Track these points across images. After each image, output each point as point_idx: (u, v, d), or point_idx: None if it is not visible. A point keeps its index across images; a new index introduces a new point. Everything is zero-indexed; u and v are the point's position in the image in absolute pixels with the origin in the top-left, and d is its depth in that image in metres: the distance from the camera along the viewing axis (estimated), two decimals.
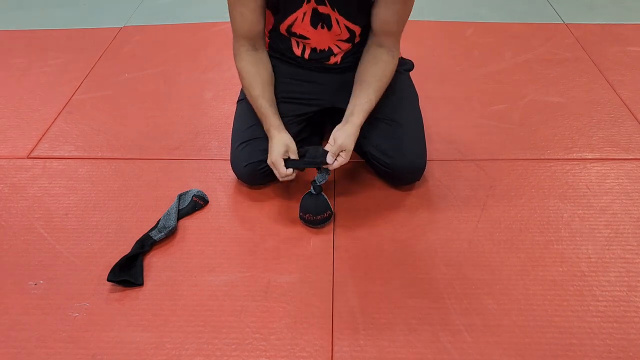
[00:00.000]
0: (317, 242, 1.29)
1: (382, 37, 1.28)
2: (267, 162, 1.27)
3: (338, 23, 1.27)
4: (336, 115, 1.45)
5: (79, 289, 1.19)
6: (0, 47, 2.18)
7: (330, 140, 1.25)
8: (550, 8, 2.38)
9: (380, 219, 1.34)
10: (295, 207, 1.35)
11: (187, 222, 1.35)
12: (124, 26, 2.30)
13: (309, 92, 1.40)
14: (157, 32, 2.26)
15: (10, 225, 1.36)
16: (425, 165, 1.37)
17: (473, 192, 1.42)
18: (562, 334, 1.08)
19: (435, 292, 1.17)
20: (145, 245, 1.26)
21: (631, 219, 1.33)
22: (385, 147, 1.33)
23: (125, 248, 1.26)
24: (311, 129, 1.44)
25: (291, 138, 1.27)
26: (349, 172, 1.46)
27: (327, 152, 1.23)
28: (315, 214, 1.29)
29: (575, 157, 1.54)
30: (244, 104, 1.43)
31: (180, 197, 1.39)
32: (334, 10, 1.24)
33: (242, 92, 1.48)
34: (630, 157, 1.53)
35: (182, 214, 1.36)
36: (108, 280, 1.18)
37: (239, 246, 1.29)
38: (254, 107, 1.32)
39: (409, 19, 1.28)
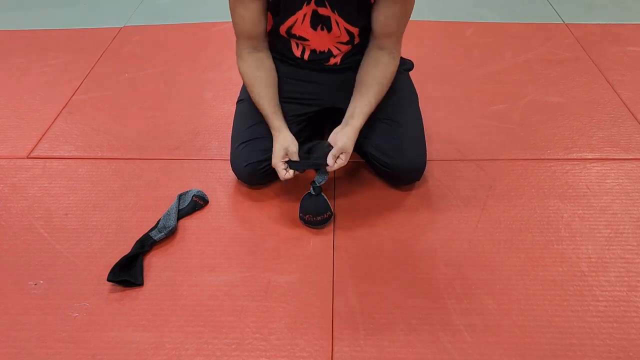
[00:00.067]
0: (317, 242, 1.29)
1: (383, 39, 1.28)
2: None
3: (338, 25, 1.27)
4: (336, 115, 1.45)
5: (79, 289, 1.19)
6: (0, 47, 2.18)
7: (330, 142, 1.25)
8: (550, 8, 2.38)
9: (380, 219, 1.34)
10: (295, 207, 1.35)
11: (187, 222, 1.35)
12: (124, 26, 2.30)
13: (309, 92, 1.40)
14: (157, 32, 2.26)
15: (10, 225, 1.36)
16: (425, 165, 1.37)
17: (473, 192, 1.42)
18: (562, 334, 1.08)
19: (435, 292, 1.17)
20: (145, 245, 1.26)
21: (631, 219, 1.33)
22: (385, 147, 1.33)
23: (125, 248, 1.26)
24: (311, 129, 1.44)
25: (292, 138, 1.27)
26: (349, 172, 1.47)
27: (327, 152, 1.23)
28: (315, 215, 1.29)
29: (575, 157, 1.54)
30: (244, 104, 1.43)
31: (180, 197, 1.39)
32: (333, 12, 1.24)
33: (241, 92, 1.48)
34: (630, 157, 1.53)
35: (182, 214, 1.36)
36: (108, 280, 1.18)
37: (239, 246, 1.29)
38: (258, 108, 1.32)
39: (409, 19, 1.28)
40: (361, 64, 1.33)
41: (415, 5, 1.26)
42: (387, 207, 1.38)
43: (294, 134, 1.30)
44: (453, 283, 1.19)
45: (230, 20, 1.30)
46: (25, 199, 1.44)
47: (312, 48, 1.34)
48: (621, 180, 1.45)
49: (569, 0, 2.43)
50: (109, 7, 2.49)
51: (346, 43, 1.33)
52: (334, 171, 1.35)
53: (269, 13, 1.30)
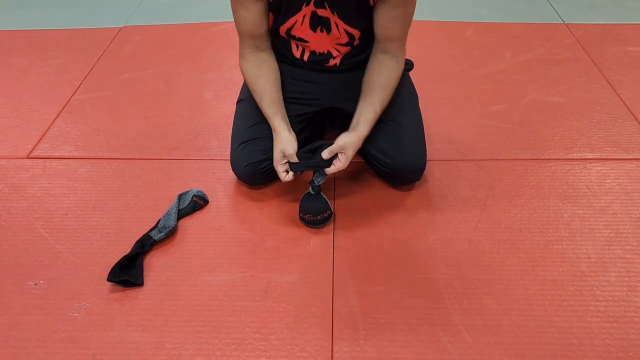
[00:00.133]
0: (317, 242, 1.29)
1: (386, 43, 1.28)
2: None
3: (337, 27, 1.27)
4: (336, 116, 1.46)
5: (79, 289, 1.19)
6: (0, 47, 2.18)
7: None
8: (550, 8, 2.38)
9: (380, 219, 1.34)
10: (295, 207, 1.35)
11: (187, 222, 1.35)
12: (124, 26, 2.30)
13: (309, 92, 1.40)
14: (157, 32, 2.26)
15: (10, 225, 1.36)
16: (425, 165, 1.37)
17: (473, 192, 1.42)
18: (562, 334, 1.08)
19: (435, 292, 1.17)
20: (145, 245, 1.26)
21: (631, 219, 1.33)
22: (385, 147, 1.33)
23: (125, 248, 1.26)
24: (311, 129, 1.44)
25: (290, 140, 1.26)
26: (349, 172, 1.46)
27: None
28: (315, 214, 1.29)
29: (575, 157, 1.54)
30: (244, 104, 1.43)
31: (180, 197, 1.39)
32: (333, 13, 1.24)
33: (241, 92, 1.48)
34: (630, 157, 1.53)
35: (182, 214, 1.36)
36: (108, 280, 1.18)
37: (239, 246, 1.29)
38: (260, 108, 1.32)
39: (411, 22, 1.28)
40: (366, 68, 1.32)
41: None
42: (387, 207, 1.38)
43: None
44: (453, 283, 1.19)
45: (232, 20, 1.30)
46: (25, 199, 1.44)
47: (312, 49, 1.34)
48: (621, 180, 1.45)
49: (569, 0, 2.43)
50: (109, 7, 2.49)
51: (345, 44, 1.33)
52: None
53: (270, 13, 1.30)
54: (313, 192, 1.29)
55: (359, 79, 1.38)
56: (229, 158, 1.41)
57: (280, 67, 1.38)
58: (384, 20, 1.24)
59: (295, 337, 1.09)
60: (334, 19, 1.25)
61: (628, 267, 1.22)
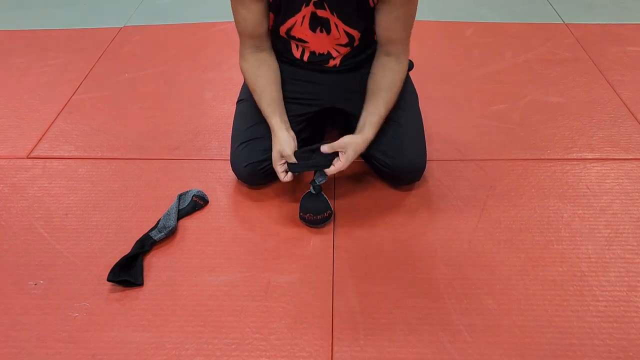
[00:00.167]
0: (317, 242, 1.29)
1: (389, 45, 1.28)
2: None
3: (337, 27, 1.27)
4: (336, 116, 1.46)
5: (79, 289, 1.19)
6: (0, 47, 2.18)
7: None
8: (550, 8, 2.38)
9: (380, 219, 1.34)
10: (295, 207, 1.35)
11: (187, 222, 1.35)
12: (124, 26, 2.30)
13: (309, 92, 1.40)
14: (157, 32, 2.26)
15: (10, 225, 1.36)
16: (425, 165, 1.37)
17: (473, 192, 1.42)
18: (562, 334, 1.08)
19: (435, 292, 1.17)
20: (145, 245, 1.26)
21: (631, 219, 1.33)
22: (385, 147, 1.33)
23: (125, 248, 1.26)
24: (311, 129, 1.44)
25: (288, 140, 1.25)
26: (348, 172, 1.46)
27: (327, 156, 1.24)
28: (316, 214, 1.29)
29: (575, 157, 1.54)
30: (244, 104, 1.43)
31: (180, 197, 1.39)
32: (333, 14, 1.24)
33: (241, 92, 1.48)
34: (630, 157, 1.53)
35: (182, 214, 1.36)
36: (108, 280, 1.18)
37: (239, 246, 1.29)
38: (259, 108, 1.32)
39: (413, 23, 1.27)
40: (370, 71, 1.32)
41: None
42: (387, 207, 1.38)
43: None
44: (453, 283, 1.19)
45: (232, 19, 1.30)
46: (25, 199, 1.44)
47: (312, 50, 1.34)
48: (621, 180, 1.45)
49: (569, 0, 2.43)
50: (109, 7, 2.49)
51: (345, 45, 1.33)
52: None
53: (270, 13, 1.30)
54: (314, 192, 1.29)
55: (359, 79, 1.38)
56: (229, 158, 1.41)
57: (280, 67, 1.38)
58: (385, 22, 1.24)
59: (295, 337, 1.09)
60: (333, 19, 1.25)
61: (628, 267, 1.22)
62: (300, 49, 1.35)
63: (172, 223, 1.31)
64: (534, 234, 1.30)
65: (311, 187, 1.30)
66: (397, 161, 1.33)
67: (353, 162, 1.27)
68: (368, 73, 1.36)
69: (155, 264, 1.25)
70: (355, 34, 1.29)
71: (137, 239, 1.28)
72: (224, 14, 1.32)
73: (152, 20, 2.36)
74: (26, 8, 2.51)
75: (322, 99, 1.41)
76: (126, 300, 1.17)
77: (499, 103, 1.76)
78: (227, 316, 1.13)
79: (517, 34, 2.17)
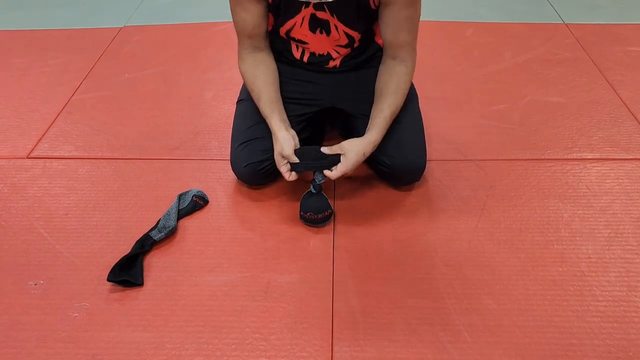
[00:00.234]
0: (317, 242, 1.29)
1: (395, 49, 1.28)
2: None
3: (337, 29, 1.27)
4: (336, 116, 1.46)
5: (79, 289, 1.19)
6: (0, 47, 2.18)
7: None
8: (550, 8, 2.38)
9: (380, 219, 1.34)
10: (295, 207, 1.35)
11: (187, 222, 1.35)
12: (124, 26, 2.30)
13: (309, 93, 1.40)
14: (157, 32, 2.26)
15: (10, 225, 1.36)
16: (425, 165, 1.37)
17: (473, 192, 1.42)
18: (562, 334, 1.08)
19: (435, 292, 1.17)
20: (145, 245, 1.26)
21: (631, 219, 1.33)
22: (385, 147, 1.33)
23: (125, 248, 1.26)
24: (312, 129, 1.44)
25: (288, 138, 1.25)
26: (349, 173, 1.46)
27: (324, 155, 1.24)
28: (316, 213, 1.29)
29: (575, 157, 1.54)
30: (244, 104, 1.43)
31: (180, 197, 1.39)
32: (332, 16, 1.24)
33: (241, 92, 1.48)
34: (630, 157, 1.53)
35: (182, 214, 1.36)
36: (108, 280, 1.18)
37: (239, 246, 1.29)
38: (259, 108, 1.32)
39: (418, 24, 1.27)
40: (377, 74, 1.32)
41: None
42: (387, 207, 1.38)
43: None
44: (453, 283, 1.19)
45: (231, 19, 1.30)
46: (25, 199, 1.44)
47: (312, 51, 1.34)
48: (621, 180, 1.45)
49: (569, 0, 2.43)
50: (109, 7, 2.49)
51: (345, 46, 1.33)
52: None
53: (270, 14, 1.30)
54: (314, 191, 1.30)
55: (359, 80, 1.38)
56: (229, 158, 1.41)
57: (280, 68, 1.38)
58: (390, 25, 1.24)
59: (295, 337, 1.09)
60: (333, 21, 1.25)
61: (628, 267, 1.22)
62: (300, 49, 1.35)
63: (172, 223, 1.31)
64: (534, 234, 1.30)
65: (311, 187, 1.30)
66: (397, 161, 1.33)
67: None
68: (368, 73, 1.36)
69: (155, 264, 1.25)
70: (356, 35, 1.29)
71: (137, 239, 1.28)
72: (224, 14, 1.32)
73: (152, 20, 2.36)
74: (26, 8, 2.51)
75: (322, 99, 1.41)
76: (126, 300, 1.17)
77: (499, 103, 1.76)
78: (227, 316, 1.13)
79: (517, 34, 2.17)
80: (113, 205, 1.41)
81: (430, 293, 1.17)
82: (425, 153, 1.37)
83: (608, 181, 1.45)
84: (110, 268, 1.20)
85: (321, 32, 1.28)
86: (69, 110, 1.78)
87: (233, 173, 1.41)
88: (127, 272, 1.19)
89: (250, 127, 1.37)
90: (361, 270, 1.22)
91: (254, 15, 1.26)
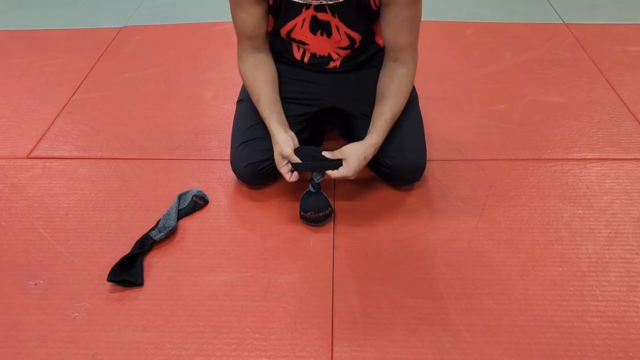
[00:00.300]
0: (317, 242, 1.29)
1: (396, 51, 1.28)
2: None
3: (338, 30, 1.27)
4: (336, 116, 1.46)
5: (79, 289, 1.19)
6: (0, 47, 2.18)
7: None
8: (550, 8, 2.38)
9: (380, 219, 1.34)
10: (295, 207, 1.35)
11: (187, 222, 1.35)
12: (124, 26, 2.30)
13: (309, 93, 1.40)
14: (157, 32, 2.26)
15: (10, 225, 1.36)
16: (425, 165, 1.37)
17: (473, 192, 1.42)
18: (562, 334, 1.08)
19: (435, 292, 1.17)
20: (145, 245, 1.26)
21: (631, 219, 1.33)
22: (385, 147, 1.33)
23: (125, 248, 1.26)
24: (312, 129, 1.44)
25: (287, 139, 1.25)
26: None
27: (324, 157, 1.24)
28: (318, 212, 1.29)
29: (575, 157, 1.54)
30: (244, 104, 1.43)
31: (180, 197, 1.39)
32: (334, 16, 1.24)
33: (241, 92, 1.48)
34: (630, 157, 1.53)
35: (182, 214, 1.36)
36: (108, 280, 1.18)
37: (239, 246, 1.29)
38: (258, 109, 1.32)
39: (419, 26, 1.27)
40: (379, 77, 1.32)
41: None
42: (387, 207, 1.38)
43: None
44: (453, 283, 1.19)
45: (231, 19, 1.30)
46: (25, 199, 1.44)
47: (312, 52, 1.34)
48: (621, 180, 1.45)
49: (569, 0, 2.43)
50: (109, 7, 2.49)
51: (346, 48, 1.33)
52: None
53: (270, 15, 1.30)
54: (313, 190, 1.30)
55: (359, 80, 1.38)
56: (229, 158, 1.41)
57: (280, 68, 1.38)
58: (391, 26, 1.24)
59: (295, 337, 1.09)
60: (334, 22, 1.25)
61: (628, 267, 1.22)
62: (301, 50, 1.35)
63: (172, 223, 1.31)
64: (534, 234, 1.30)
65: (310, 186, 1.30)
66: (397, 161, 1.33)
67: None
68: (368, 73, 1.36)
69: (155, 264, 1.25)
70: (357, 36, 1.29)
71: (137, 239, 1.28)
72: (224, 14, 1.32)
73: (152, 20, 2.36)
74: (26, 8, 2.51)
75: (322, 99, 1.41)
76: (126, 300, 1.17)
77: (499, 103, 1.76)
78: (227, 316, 1.13)
79: (517, 34, 2.17)
80: (113, 205, 1.41)
81: (430, 293, 1.17)
82: (426, 153, 1.37)
83: (608, 181, 1.45)
84: (110, 268, 1.20)
85: (322, 34, 1.28)
86: (69, 110, 1.78)
87: (233, 173, 1.41)
88: (127, 272, 1.19)
89: (250, 127, 1.37)
90: (361, 270, 1.22)
91: (254, 17, 1.26)
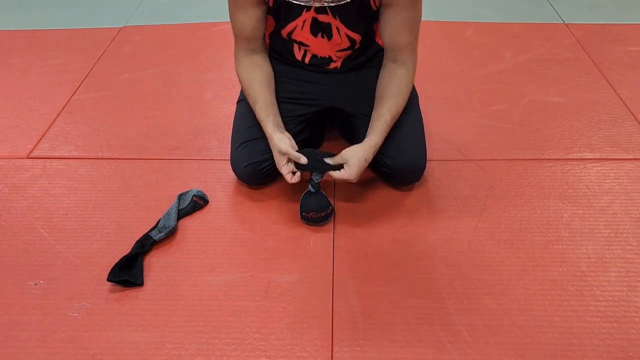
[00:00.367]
0: (317, 242, 1.29)
1: (396, 52, 1.27)
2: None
3: (339, 31, 1.27)
4: (336, 116, 1.46)
5: (79, 289, 1.19)
6: (0, 47, 2.18)
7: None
8: (550, 8, 2.38)
9: (380, 219, 1.34)
10: (295, 207, 1.35)
11: (187, 222, 1.35)
12: (124, 26, 2.30)
13: (309, 93, 1.40)
14: (157, 32, 2.26)
15: (10, 225, 1.36)
16: (425, 166, 1.37)
17: (473, 192, 1.42)
18: (562, 334, 1.08)
19: (435, 292, 1.17)
20: (145, 245, 1.26)
21: (631, 219, 1.33)
22: (385, 147, 1.33)
23: (125, 248, 1.26)
24: (312, 129, 1.44)
25: (283, 137, 1.25)
26: None
27: (324, 155, 1.25)
28: (319, 211, 1.29)
29: (575, 157, 1.54)
30: (244, 104, 1.43)
31: (180, 197, 1.39)
32: (335, 17, 1.24)
33: (241, 92, 1.48)
34: (630, 157, 1.53)
35: (182, 214, 1.36)
36: (108, 280, 1.18)
37: (239, 246, 1.29)
38: (254, 112, 1.32)
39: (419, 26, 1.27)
40: (378, 78, 1.32)
41: None
42: (387, 207, 1.38)
43: (294, 134, 1.30)
44: (453, 283, 1.19)
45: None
46: (25, 199, 1.44)
47: (313, 53, 1.34)
48: (621, 180, 1.45)
49: (569, 0, 2.43)
50: (109, 7, 2.49)
51: (346, 49, 1.33)
52: None
53: (270, 16, 1.30)
54: (313, 190, 1.30)
55: (359, 80, 1.38)
56: (229, 158, 1.41)
57: (280, 68, 1.38)
58: (390, 27, 1.24)
59: (295, 337, 1.09)
60: (335, 23, 1.25)
61: (628, 267, 1.22)
62: (302, 50, 1.36)
63: (172, 223, 1.31)
64: (534, 234, 1.30)
65: (309, 186, 1.30)
66: (397, 161, 1.33)
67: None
68: (368, 73, 1.36)
69: (155, 264, 1.25)
70: (357, 37, 1.29)
71: (137, 239, 1.28)
72: (224, 14, 1.32)
73: (152, 20, 2.36)
74: (26, 8, 2.51)
75: (322, 99, 1.41)
76: (126, 300, 1.17)
77: (499, 103, 1.76)
78: (227, 316, 1.13)
79: (517, 34, 2.17)
80: (113, 205, 1.41)
81: (430, 293, 1.17)
82: (426, 153, 1.37)
83: (608, 181, 1.45)
84: (110, 268, 1.20)
85: (322, 37, 1.28)
86: (69, 110, 1.78)
87: (233, 173, 1.41)
88: (127, 272, 1.19)
89: (250, 127, 1.37)
90: (361, 270, 1.22)
91: (253, 19, 1.26)
